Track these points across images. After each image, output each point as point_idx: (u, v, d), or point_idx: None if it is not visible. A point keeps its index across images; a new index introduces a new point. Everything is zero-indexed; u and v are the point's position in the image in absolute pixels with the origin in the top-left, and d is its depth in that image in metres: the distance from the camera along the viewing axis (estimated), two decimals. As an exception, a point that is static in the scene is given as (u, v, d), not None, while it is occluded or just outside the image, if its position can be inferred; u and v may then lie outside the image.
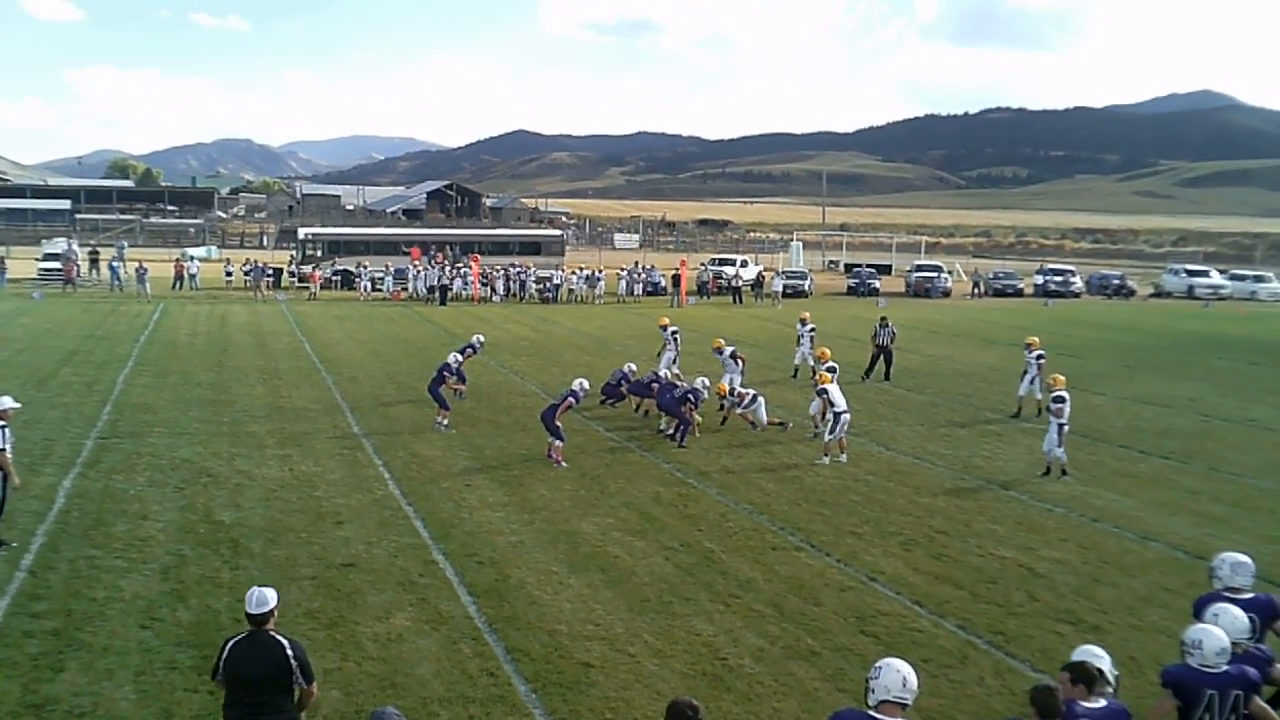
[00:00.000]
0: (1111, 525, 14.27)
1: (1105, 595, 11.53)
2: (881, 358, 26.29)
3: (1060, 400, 16.72)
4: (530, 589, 11.20)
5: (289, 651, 6.53)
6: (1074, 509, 15.03)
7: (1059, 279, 61.42)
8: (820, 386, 17.71)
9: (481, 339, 23.64)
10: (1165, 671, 6.16)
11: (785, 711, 8.65)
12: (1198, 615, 6.79)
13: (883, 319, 27.02)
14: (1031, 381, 21.71)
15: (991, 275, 62.95)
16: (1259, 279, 66.36)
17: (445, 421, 19.02)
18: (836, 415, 17.09)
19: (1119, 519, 14.57)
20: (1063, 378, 17.91)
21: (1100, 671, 5.88)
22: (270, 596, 6.69)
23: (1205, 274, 65.68)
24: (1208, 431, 20.77)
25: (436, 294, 46.59)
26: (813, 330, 26.55)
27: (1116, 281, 63.53)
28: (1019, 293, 59.98)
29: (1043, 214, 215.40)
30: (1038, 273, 64.31)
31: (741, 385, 20.44)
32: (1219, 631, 6.15)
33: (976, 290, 60.02)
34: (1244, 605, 7.04)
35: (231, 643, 6.62)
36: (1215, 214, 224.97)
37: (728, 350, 22.09)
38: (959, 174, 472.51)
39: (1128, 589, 11.75)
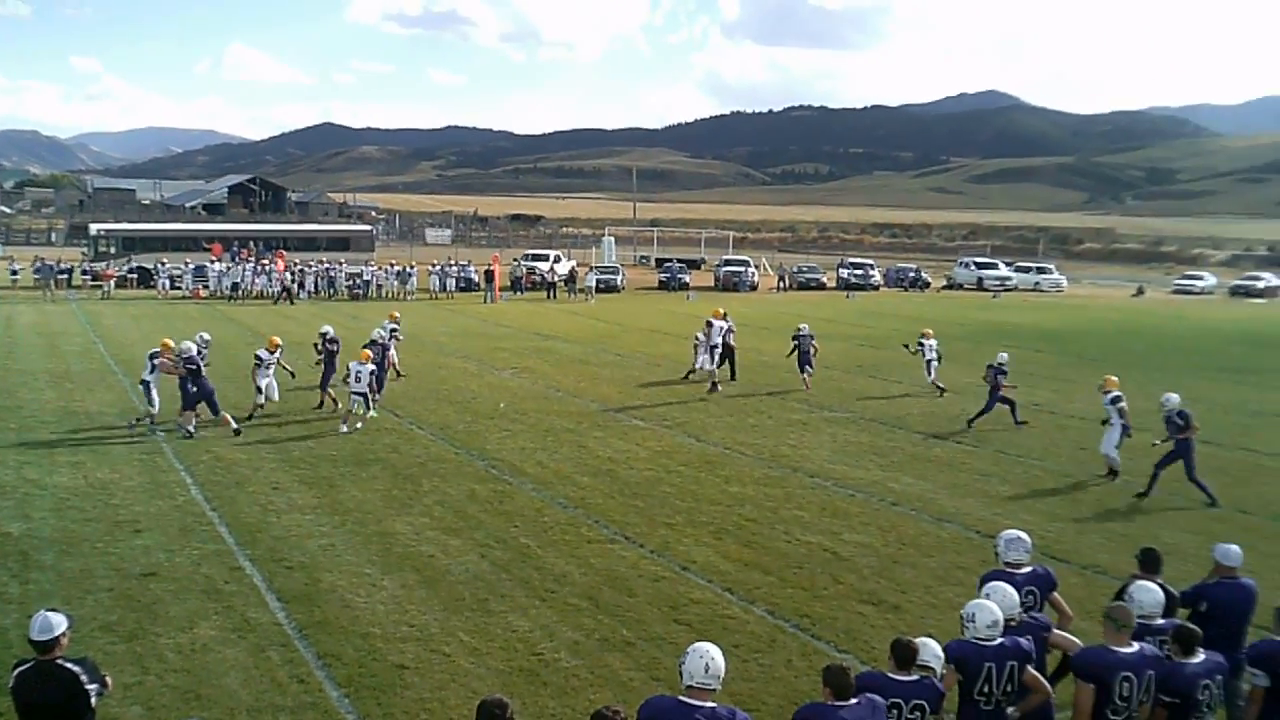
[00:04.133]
0: (909, 508, 14.95)
1: (904, 575, 12.08)
2: (727, 359, 25.49)
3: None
4: (342, 592, 10.99)
5: (83, 679, 6.13)
6: (875, 494, 15.68)
7: (859, 272, 63.81)
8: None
9: (206, 337, 20.76)
10: (948, 647, 6.51)
11: (600, 702, 8.65)
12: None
13: (723, 314, 25.89)
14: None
15: (796, 269, 65.09)
16: (1041, 270, 70.72)
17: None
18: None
19: (916, 502, 15.28)
20: None
21: (914, 648, 6.18)
22: (57, 622, 6.18)
23: (994, 266, 69.53)
24: (996, 416, 21.89)
25: (284, 294, 45.80)
26: (937, 345, 25.11)
27: (912, 274, 66.59)
28: (822, 286, 62.19)
29: (844, 209, 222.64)
30: (839, 266, 66.60)
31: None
32: (991, 605, 6.55)
33: (782, 284, 61.79)
34: (1023, 579, 7.58)
35: (18, 672, 6.19)
36: (1002, 209, 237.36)
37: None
38: (764, 170, 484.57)
39: (925, 569, 12.34)
